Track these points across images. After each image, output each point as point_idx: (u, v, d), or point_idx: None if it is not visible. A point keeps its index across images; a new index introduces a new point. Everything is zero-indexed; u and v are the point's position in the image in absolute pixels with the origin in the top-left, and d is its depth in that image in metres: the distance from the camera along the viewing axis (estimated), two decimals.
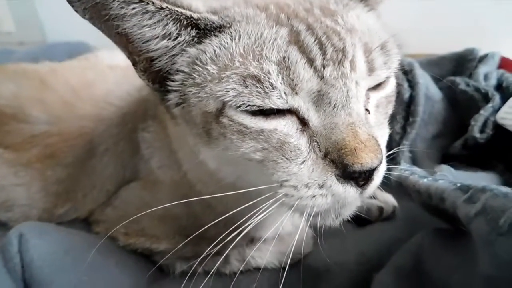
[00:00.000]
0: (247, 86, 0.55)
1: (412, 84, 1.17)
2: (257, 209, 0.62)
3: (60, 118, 0.96)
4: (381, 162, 0.57)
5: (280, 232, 0.84)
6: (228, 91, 0.55)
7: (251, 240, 0.86)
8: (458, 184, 0.59)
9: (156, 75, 0.63)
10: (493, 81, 1.16)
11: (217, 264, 0.87)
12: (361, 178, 0.56)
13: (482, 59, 1.25)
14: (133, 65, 0.63)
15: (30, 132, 0.96)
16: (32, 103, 0.98)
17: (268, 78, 0.54)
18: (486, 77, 1.18)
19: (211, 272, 0.80)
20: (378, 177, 0.59)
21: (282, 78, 0.54)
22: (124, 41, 0.60)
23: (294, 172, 0.57)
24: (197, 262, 0.87)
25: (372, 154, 0.55)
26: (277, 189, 0.59)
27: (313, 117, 0.57)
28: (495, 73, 1.19)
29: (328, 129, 0.56)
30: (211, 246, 0.69)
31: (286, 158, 0.57)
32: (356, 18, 0.62)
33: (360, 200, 0.61)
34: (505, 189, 0.51)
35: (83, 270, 0.77)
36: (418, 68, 1.19)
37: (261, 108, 0.56)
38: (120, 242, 0.89)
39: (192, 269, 0.88)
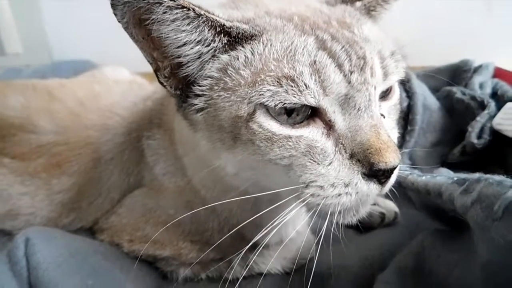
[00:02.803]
0: (282, 86, 0.58)
1: (410, 94, 1.20)
2: (261, 212, 0.65)
3: (66, 128, 0.98)
4: (400, 161, 0.61)
5: (283, 237, 0.86)
6: (263, 93, 0.58)
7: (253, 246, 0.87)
8: (455, 178, 0.61)
9: (180, 81, 0.66)
10: (488, 90, 1.19)
11: (221, 270, 0.88)
12: (383, 176, 0.60)
13: (477, 69, 1.28)
14: (155, 71, 0.66)
15: (37, 142, 0.97)
16: (39, 114, 1.00)
17: (302, 78, 0.58)
18: (481, 86, 1.21)
19: (222, 278, 0.81)
20: (394, 176, 0.63)
21: (315, 80, 0.58)
22: (151, 46, 0.63)
23: (322, 174, 0.60)
24: (200, 268, 0.88)
25: (394, 154, 0.59)
26: (303, 190, 0.62)
27: (339, 120, 0.61)
28: (490, 82, 1.22)
29: (353, 131, 0.60)
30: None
31: (314, 161, 0.60)
32: (368, 30, 0.66)
33: (374, 199, 0.64)
34: (499, 177, 0.53)
35: (88, 274, 0.77)
36: (415, 79, 1.22)
37: (296, 105, 0.59)
38: (125, 249, 0.89)
39: (195, 275, 0.89)
